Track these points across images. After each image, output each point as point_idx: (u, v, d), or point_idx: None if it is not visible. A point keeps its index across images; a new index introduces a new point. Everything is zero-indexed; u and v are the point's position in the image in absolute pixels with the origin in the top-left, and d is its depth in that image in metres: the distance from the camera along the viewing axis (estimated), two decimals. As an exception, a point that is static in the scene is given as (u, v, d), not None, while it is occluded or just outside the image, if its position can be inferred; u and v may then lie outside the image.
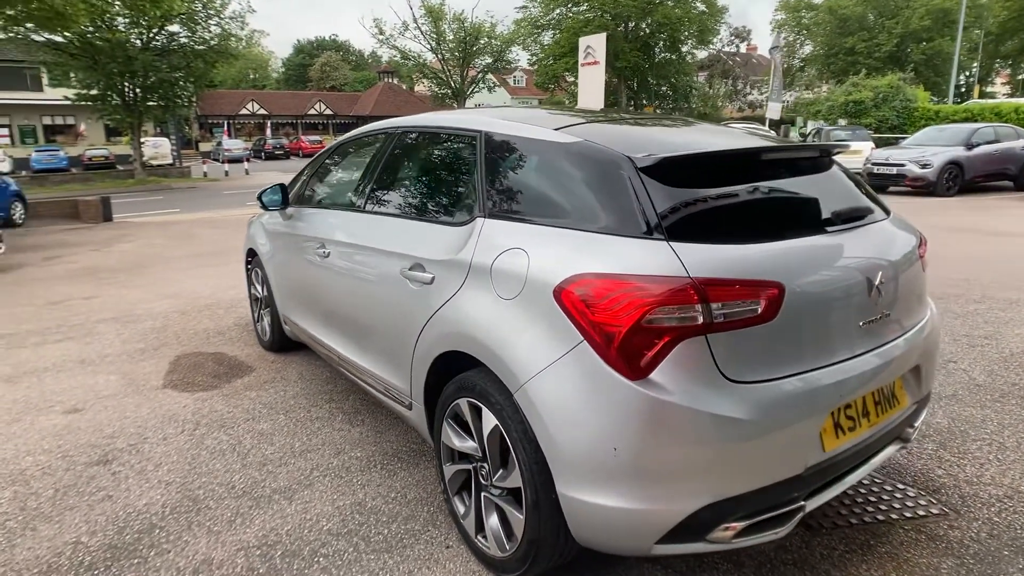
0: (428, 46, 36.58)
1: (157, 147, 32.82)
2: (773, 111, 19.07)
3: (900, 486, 2.63)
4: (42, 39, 20.94)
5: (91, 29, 20.91)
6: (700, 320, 1.59)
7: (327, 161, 3.73)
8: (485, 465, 2.09)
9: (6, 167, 29.40)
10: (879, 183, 14.71)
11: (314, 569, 2.22)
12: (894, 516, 2.43)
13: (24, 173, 28.55)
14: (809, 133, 20.17)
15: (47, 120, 38.89)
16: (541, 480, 1.82)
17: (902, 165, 14.07)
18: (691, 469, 1.63)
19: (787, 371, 1.71)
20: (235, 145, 37.20)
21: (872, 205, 2.24)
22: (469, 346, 2.05)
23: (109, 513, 2.61)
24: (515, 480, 1.93)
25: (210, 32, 24.17)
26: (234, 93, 51.64)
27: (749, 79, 51.29)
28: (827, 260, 1.88)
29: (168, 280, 7.06)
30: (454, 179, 2.55)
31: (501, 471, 2.00)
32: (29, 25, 18.22)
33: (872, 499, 2.53)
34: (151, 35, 23.11)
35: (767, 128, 16.88)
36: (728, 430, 1.61)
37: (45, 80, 33.06)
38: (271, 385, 3.91)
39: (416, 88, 50.36)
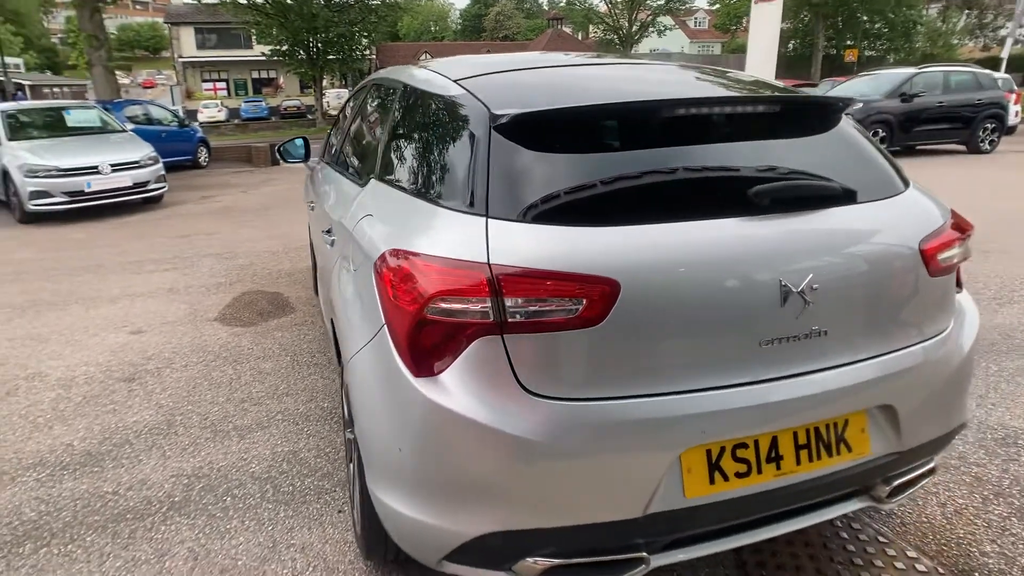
0: (594, -13, 35.28)
1: (340, 98, 36.00)
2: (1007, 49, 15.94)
3: (911, 554, 2.03)
4: (244, 2, 23.64)
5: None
6: (491, 317, 1.35)
7: (340, 115, 3.79)
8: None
9: (222, 116, 34.42)
10: None
11: (217, 507, 2.37)
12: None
13: (235, 121, 33.22)
14: None
15: (255, 74, 44.21)
16: (360, 469, 1.74)
17: None
18: (474, 489, 1.41)
19: (615, 391, 1.38)
20: (407, 96, 39.48)
21: (865, 181, 1.67)
22: (331, 315, 2.00)
23: (105, 425, 2.99)
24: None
25: (382, -15, 25.57)
26: (410, 45, 54.28)
27: (1003, 7, 39.26)
28: (711, 254, 1.43)
29: (282, 221, 7.76)
30: (377, 136, 2.45)
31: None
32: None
33: (857, 562, 1.98)
34: (331, -8, 25.00)
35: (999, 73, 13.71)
36: (519, 453, 1.35)
37: (254, 38, 37.46)
38: (299, 328, 4.18)
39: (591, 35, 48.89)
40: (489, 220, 1.43)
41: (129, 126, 10.30)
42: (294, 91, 42.51)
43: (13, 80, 27.27)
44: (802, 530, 2.10)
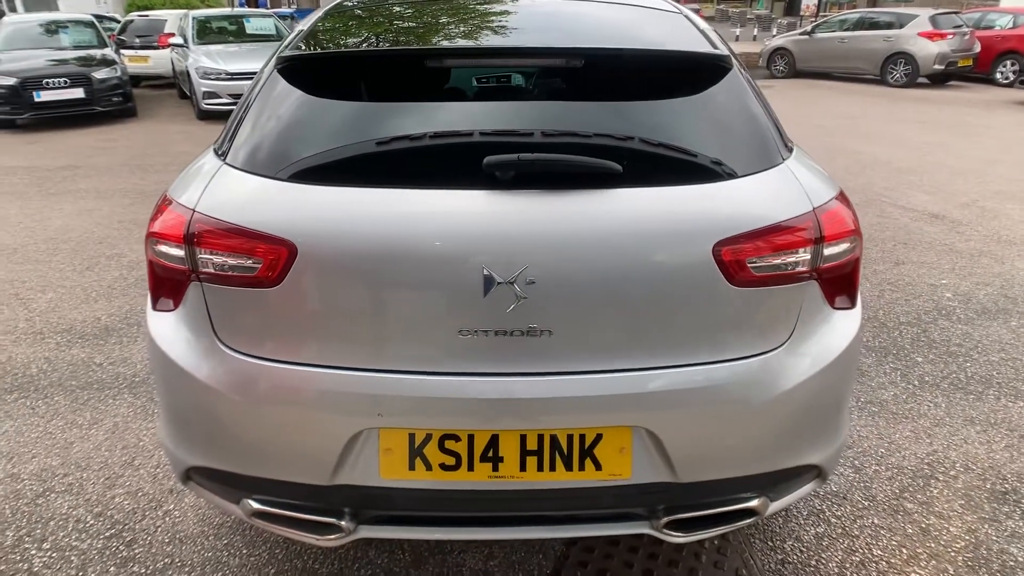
0: None
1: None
2: None
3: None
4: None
5: None
6: (186, 265, 1.45)
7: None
8: None
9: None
10: None
11: (161, 392, 2.75)
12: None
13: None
14: None
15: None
16: None
17: None
18: (183, 421, 1.57)
19: (292, 357, 1.43)
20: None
21: (700, 159, 1.48)
22: None
23: (134, 306, 3.56)
24: None
25: None
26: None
27: None
28: (409, 227, 1.36)
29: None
30: None
31: None
32: None
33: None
34: None
35: None
36: (208, 399, 1.49)
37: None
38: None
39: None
40: (223, 166, 1.52)
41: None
42: None
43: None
44: (657, 542, 1.91)
